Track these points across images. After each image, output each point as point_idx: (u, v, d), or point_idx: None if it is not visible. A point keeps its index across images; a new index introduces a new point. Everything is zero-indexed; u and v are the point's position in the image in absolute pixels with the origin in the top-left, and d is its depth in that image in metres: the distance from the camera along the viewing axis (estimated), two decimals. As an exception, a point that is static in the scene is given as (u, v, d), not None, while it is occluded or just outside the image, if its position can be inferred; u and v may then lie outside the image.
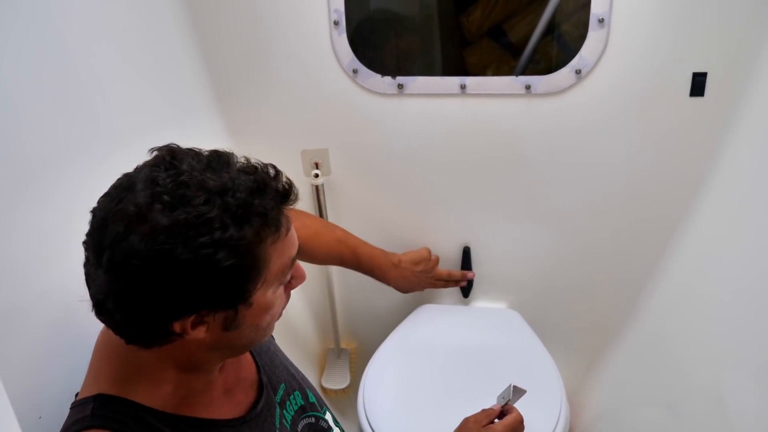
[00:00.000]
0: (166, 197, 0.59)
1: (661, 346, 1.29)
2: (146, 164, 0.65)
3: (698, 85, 1.18)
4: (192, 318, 0.63)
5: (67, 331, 0.86)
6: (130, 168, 0.67)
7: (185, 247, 0.58)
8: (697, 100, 1.20)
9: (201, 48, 1.35)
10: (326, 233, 1.33)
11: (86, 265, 0.64)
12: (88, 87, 0.98)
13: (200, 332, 0.65)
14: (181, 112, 1.31)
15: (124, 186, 0.63)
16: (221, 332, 0.67)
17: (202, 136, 1.38)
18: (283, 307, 0.75)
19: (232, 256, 0.60)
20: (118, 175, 0.66)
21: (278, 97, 1.42)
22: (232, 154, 0.68)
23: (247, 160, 0.68)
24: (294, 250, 0.70)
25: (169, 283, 0.60)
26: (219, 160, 0.66)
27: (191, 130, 1.32)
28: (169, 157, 0.64)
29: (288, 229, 0.68)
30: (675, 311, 1.28)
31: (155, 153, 0.66)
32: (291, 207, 0.69)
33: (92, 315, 0.86)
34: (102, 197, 0.64)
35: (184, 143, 0.70)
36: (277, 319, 0.76)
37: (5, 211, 0.78)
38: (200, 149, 0.68)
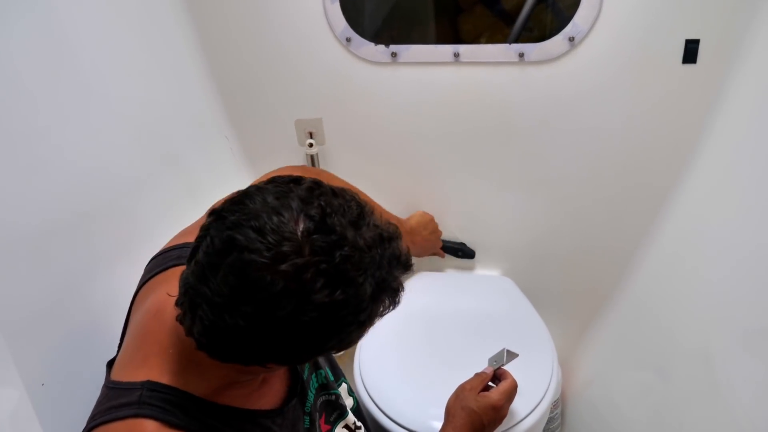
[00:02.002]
0: (325, 267, 0.59)
1: (650, 311, 1.31)
2: (292, 197, 0.62)
3: (691, 51, 1.18)
4: None
5: (67, 303, 0.88)
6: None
7: (334, 324, 0.61)
8: (689, 67, 1.20)
9: (192, 13, 1.34)
10: None
11: (200, 285, 0.60)
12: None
13: None
14: (172, 82, 1.30)
15: (269, 223, 0.59)
16: None
17: (194, 110, 1.38)
18: None
19: (364, 330, 0.66)
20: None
21: (271, 65, 1.42)
22: (366, 205, 0.67)
23: (372, 210, 0.67)
24: None
25: (300, 344, 0.62)
26: (360, 215, 0.65)
27: (182, 103, 1.32)
28: (326, 206, 0.62)
29: None
30: (665, 276, 1.29)
31: (299, 186, 0.64)
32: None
33: (95, 287, 0.87)
34: (238, 218, 0.60)
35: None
36: None
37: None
38: (340, 192, 0.66)
